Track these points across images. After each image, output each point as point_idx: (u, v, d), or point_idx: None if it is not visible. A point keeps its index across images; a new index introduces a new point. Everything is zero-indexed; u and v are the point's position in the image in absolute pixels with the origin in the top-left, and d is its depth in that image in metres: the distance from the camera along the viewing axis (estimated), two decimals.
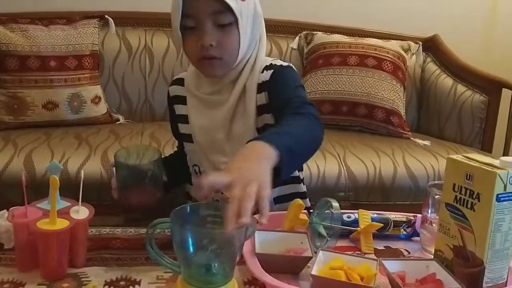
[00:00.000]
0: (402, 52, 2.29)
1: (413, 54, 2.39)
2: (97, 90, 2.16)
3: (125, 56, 2.28)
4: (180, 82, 1.20)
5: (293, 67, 1.14)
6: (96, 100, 2.14)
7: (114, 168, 1.05)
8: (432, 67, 2.43)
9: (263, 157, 0.82)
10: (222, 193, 0.81)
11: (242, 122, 1.10)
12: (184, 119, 1.18)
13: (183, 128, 1.20)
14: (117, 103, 2.27)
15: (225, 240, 0.73)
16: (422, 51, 2.44)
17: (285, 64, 1.12)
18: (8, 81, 2.00)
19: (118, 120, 2.22)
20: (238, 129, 1.11)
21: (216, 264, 0.73)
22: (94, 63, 2.16)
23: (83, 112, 2.11)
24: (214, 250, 0.72)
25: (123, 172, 1.02)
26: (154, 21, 2.32)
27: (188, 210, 0.76)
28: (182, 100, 1.18)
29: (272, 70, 1.09)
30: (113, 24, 2.28)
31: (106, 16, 2.26)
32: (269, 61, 1.12)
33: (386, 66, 2.20)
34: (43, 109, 2.03)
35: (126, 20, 2.33)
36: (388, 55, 2.23)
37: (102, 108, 2.17)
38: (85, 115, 2.11)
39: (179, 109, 1.20)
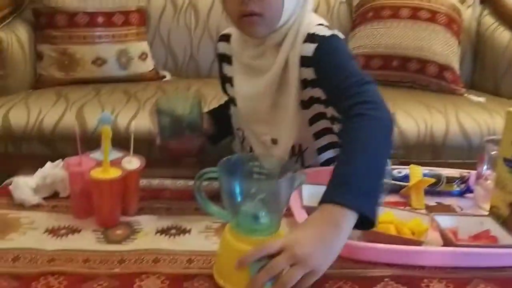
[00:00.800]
0: (458, 4, 2.16)
1: (469, 6, 2.26)
2: (143, 46, 2.17)
3: (170, 12, 2.27)
4: (227, 38, 1.14)
5: (338, 35, 1.01)
6: (143, 56, 2.15)
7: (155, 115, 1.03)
8: (489, 20, 2.29)
9: (335, 227, 0.70)
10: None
11: (285, 93, 1.04)
12: (230, 80, 1.15)
13: (228, 89, 1.18)
14: (163, 59, 2.28)
15: (272, 190, 0.72)
16: (479, 3, 2.30)
17: (328, 33, 0.99)
18: (58, 37, 2.03)
19: (165, 76, 2.23)
20: (281, 100, 1.05)
21: (263, 213, 0.72)
22: (140, 19, 2.17)
23: (130, 68, 2.13)
24: (262, 200, 0.71)
25: (163, 119, 1.02)
26: None
27: (235, 160, 0.76)
28: (228, 59, 1.15)
29: (315, 44, 0.98)
30: None
31: None
32: (312, 27, 1.01)
33: (440, 19, 2.09)
34: (93, 65, 2.06)
35: None
36: (443, 7, 2.11)
37: (149, 65, 2.18)
38: (132, 71, 2.13)
39: (226, 69, 1.17)
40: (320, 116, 1.07)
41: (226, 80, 1.18)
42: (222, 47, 1.16)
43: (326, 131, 1.09)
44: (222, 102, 1.30)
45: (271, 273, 0.66)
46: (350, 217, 0.71)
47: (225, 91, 1.22)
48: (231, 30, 1.13)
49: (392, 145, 0.86)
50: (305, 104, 1.05)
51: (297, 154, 1.11)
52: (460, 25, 2.15)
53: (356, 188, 0.74)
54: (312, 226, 0.71)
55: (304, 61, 1.00)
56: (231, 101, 1.17)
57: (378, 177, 0.78)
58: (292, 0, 0.99)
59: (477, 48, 2.29)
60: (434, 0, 2.12)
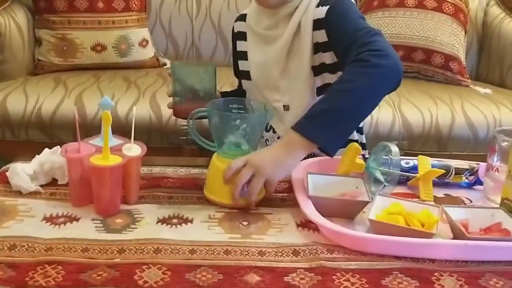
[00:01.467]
0: None
1: None
2: (144, 33, 2.14)
3: None
4: (244, 18, 1.18)
5: None
6: (143, 43, 2.12)
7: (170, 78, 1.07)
8: (496, 10, 2.26)
9: (292, 150, 0.89)
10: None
11: (296, 59, 1.07)
12: (244, 55, 1.17)
13: (242, 65, 1.20)
14: (164, 46, 2.25)
15: (250, 122, 0.90)
16: None
17: None
18: (57, 22, 2.00)
19: (165, 64, 2.19)
20: (292, 66, 1.08)
21: (244, 142, 0.92)
22: (141, 5, 2.13)
23: (130, 55, 2.09)
24: (243, 131, 0.89)
25: (177, 84, 1.05)
26: None
27: (220, 102, 0.95)
28: (243, 36, 1.17)
29: (327, 6, 1.02)
30: None
31: None
32: None
33: (447, 8, 2.06)
34: (92, 51, 2.03)
35: None
36: None
37: (149, 52, 2.15)
38: (132, 58, 2.10)
39: (241, 46, 1.19)
40: (327, 86, 1.05)
41: (240, 57, 1.19)
42: (239, 25, 1.20)
43: None
44: (225, 89, 1.30)
45: (240, 183, 0.85)
46: (303, 144, 0.87)
47: (237, 74, 1.24)
48: (248, 10, 1.18)
49: (387, 91, 0.93)
50: (316, 70, 1.06)
51: None
52: (466, 15, 2.12)
53: (318, 121, 0.88)
54: (272, 147, 0.92)
55: (316, 24, 1.03)
56: (244, 77, 1.19)
57: (348, 118, 0.89)
58: None
59: (484, 39, 2.26)
60: None
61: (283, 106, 1.12)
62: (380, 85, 0.90)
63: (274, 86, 1.11)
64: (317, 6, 1.04)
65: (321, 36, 1.03)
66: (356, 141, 1.16)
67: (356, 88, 0.88)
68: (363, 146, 1.18)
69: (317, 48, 1.05)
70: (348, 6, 1.03)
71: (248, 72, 1.16)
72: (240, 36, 1.19)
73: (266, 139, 1.19)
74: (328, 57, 1.05)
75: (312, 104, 0.93)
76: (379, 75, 0.89)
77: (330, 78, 1.07)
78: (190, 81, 1.06)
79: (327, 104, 0.89)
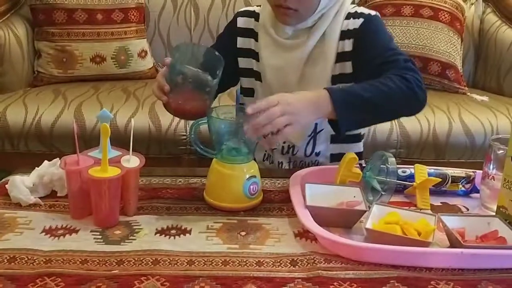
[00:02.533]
0: (461, 2, 2.15)
1: (472, 4, 2.25)
2: (143, 44, 2.15)
3: (170, 9, 2.25)
4: (251, 14, 1.16)
5: (379, 15, 1.09)
6: (142, 54, 2.13)
7: (167, 68, 0.95)
8: (492, 18, 2.27)
9: (317, 104, 0.91)
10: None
11: (318, 66, 1.08)
12: (252, 54, 1.15)
13: (249, 64, 1.16)
14: (163, 57, 2.23)
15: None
16: (482, 1, 2.29)
17: (373, 13, 1.08)
18: (56, 34, 2.01)
19: None
20: (312, 74, 1.09)
21: (242, 146, 0.95)
22: (140, 16, 2.15)
23: (130, 66, 2.11)
24: (242, 135, 0.90)
25: (181, 73, 0.92)
26: None
27: (217, 111, 0.95)
28: (251, 34, 1.15)
29: (362, 19, 1.06)
30: None
31: None
32: (352, 7, 1.09)
33: (443, 17, 2.07)
34: (91, 63, 2.04)
35: None
36: (445, 5, 2.09)
37: (148, 62, 2.16)
38: (131, 69, 2.11)
39: (246, 43, 1.16)
40: None
41: (245, 55, 1.16)
42: (245, 22, 1.16)
43: None
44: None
45: (270, 118, 0.84)
46: (328, 108, 0.90)
47: (233, 69, 1.16)
48: (257, 8, 1.17)
49: (402, 115, 1.05)
50: (334, 80, 1.08)
51: (310, 135, 1.13)
52: (462, 23, 2.13)
53: (349, 98, 0.92)
54: (302, 95, 0.92)
55: (346, 34, 1.06)
56: (250, 75, 1.17)
57: (373, 114, 0.96)
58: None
59: (480, 47, 2.27)
60: None
61: None
62: (406, 109, 1.00)
63: (290, 91, 1.08)
64: (346, 19, 1.07)
65: (348, 45, 1.06)
66: (360, 153, 1.17)
67: (393, 96, 0.94)
68: (360, 155, 1.18)
69: (341, 57, 1.07)
70: (381, 24, 1.08)
71: (258, 72, 1.15)
72: (245, 33, 1.16)
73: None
74: (349, 68, 1.07)
75: (320, 121, 1.02)
76: (411, 101, 0.98)
77: None
78: (194, 65, 0.94)
79: (366, 92, 0.93)
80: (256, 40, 1.15)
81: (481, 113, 1.82)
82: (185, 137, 1.70)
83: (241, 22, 1.17)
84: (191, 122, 1.00)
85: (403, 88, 0.94)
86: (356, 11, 1.08)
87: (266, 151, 1.20)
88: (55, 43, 2.01)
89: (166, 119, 1.71)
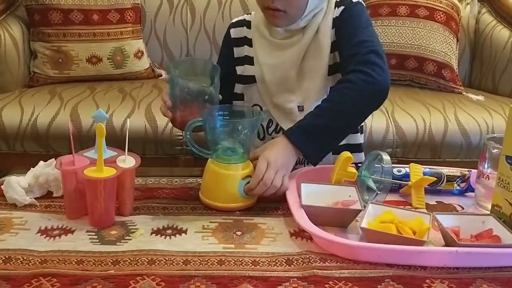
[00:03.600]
0: (456, 2, 2.15)
1: (467, 4, 2.26)
2: (139, 44, 2.15)
3: (166, 9, 2.25)
4: (242, 23, 1.19)
5: (362, 3, 1.10)
6: (138, 54, 2.13)
7: (169, 83, 0.98)
8: (487, 18, 2.28)
9: (290, 147, 0.96)
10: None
11: (315, 60, 1.09)
12: (248, 60, 1.17)
13: (245, 70, 1.18)
14: (159, 57, 2.26)
15: (245, 127, 0.94)
16: (478, 1, 2.29)
17: (354, 0, 1.09)
18: (52, 35, 2.00)
19: (161, 75, 2.20)
20: (309, 67, 1.11)
21: (238, 146, 0.95)
22: (136, 16, 2.14)
23: (126, 66, 2.10)
24: (238, 135, 0.94)
25: (179, 87, 0.96)
26: None
27: (214, 111, 0.96)
28: (246, 41, 1.17)
29: (342, 7, 1.08)
30: None
31: None
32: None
33: (439, 17, 2.08)
34: (87, 63, 2.04)
35: None
36: (441, 5, 2.10)
37: (144, 63, 2.16)
38: (128, 69, 2.11)
39: (242, 51, 1.18)
40: None
41: (240, 63, 1.18)
42: (238, 31, 1.19)
43: None
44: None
45: (268, 184, 0.92)
46: (293, 149, 0.96)
47: (229, 79, 1.18)
48: (248, 17, 1.19)
49: (372, 111, 1.03)
50: (331, 69, 1.10)
51: None
52: (458, 23, 2.14)
53: (308, 133, 0.97)
54: (277, 146, 0.97)
55: (333, 23, 1.08)
56: (247, 81, 1.18)
57: (335, 135, 1.01)
58: None
59: (476, 46, 2.28)
60: None
61: (298, 107, 1.13)
62: (367, 107, 1.01)
63: (290, 87, 1.12)
64: (335, 7, 1.09)
65: (333, 36, 1.09)
66: (359, 144, 1.18)
67: (345, 110, 0.98)
68: (359, 146, 1.19)
69: (334, 47, 1.09)
70: (358, 11, 1.08)
71: (253, 76, 1.16)
72: (241, 42, 1.18)
73: None
74: (337, 57, 1.09)
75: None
76: (367, 97, 0.98)
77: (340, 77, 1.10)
78: (192, 79, 0.98)
79: (319, 119, 0.98)
80: (250, 46, 1.16)
81: (476, 113, 1.83)
82: (181, 137, 1.70)
83: (234, 32, 1.19)
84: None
85: (360, 89, 0.97)
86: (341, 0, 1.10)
87: None
88: (51, 43, 2.01)
89: (162, 120, 1.71)
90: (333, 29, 1.09)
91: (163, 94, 1.00)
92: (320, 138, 0.97)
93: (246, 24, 1.18)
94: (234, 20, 1.22)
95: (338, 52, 1.08)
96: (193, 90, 0.97)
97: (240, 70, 1.19)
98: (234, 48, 1.19)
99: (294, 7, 1.03)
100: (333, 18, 1.09)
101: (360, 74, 0.97)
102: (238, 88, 1.20)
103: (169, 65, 1.00)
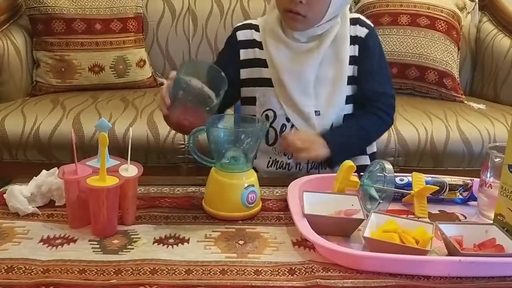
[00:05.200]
0: (457, 11, 2.16)
1: (468, 12, 2.26)
2: (141, 53, 2.16)
3: (168, 19, 2.26)
4: (250, 26, 1.20)
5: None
6: (141, 63, 2.14)
7: (171, 81, 0.97)
8: (488, 26, 2.29)
9: (326, 150, 1.12)
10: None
11: (333, 68, 1.15)
12: (260, 63, 1.17)
13: (257, 73, 1.17)
14: (161, 66, 2.26)
15: (249, 136, 0.95)
16: (478, 9, 2.30)
17: (372, 24, 1.19)
18: (55, 44, 2.01)
19: (163, 84, 2.19)
20: (327, 74, 1.15)
21: (241, 156, 0.95)
22: (138, 26, 2.15)
23: (128, 75, 2.11)
24: (242, 144, 0.94)
25: (184, 88, 0.95)
26: None
27: (216, 120, 0.96)
28: (255, 44, 1.18)
29: (367, 30, 1.17)
30: None
31: None
32: (351, 14, 1.17)
33: (440, 26, 2.08)
34: (90, 72, 2.04)
35: None
36: (442, 14, 2.11)
37: (147, 72, 2.16)
38: (130, 78, 2.11)
39: (249, 54, 1.18)
40: (351, 98, 1.18)
41: (254, 65, 1.18)
42: (246, 34, 1.19)
43: (348, 116, 1.20)
44: None
45: (296, 144, 1.09)
46: (327, 152, 1.12)
47: (237, 85, 1.19)
48: (256, 21, 1.21)
49: (379, 136, 1.27)
50: (349, 80, 1.17)
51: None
52: (459, 31, 2.15)
53: (341, 145, 1.13)
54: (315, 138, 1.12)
55: (354, 40, 1.16)
56: (264, 83, 1.17)
57: (354, 153, 1.19)
58: (336, 5, 1.09)
59: (477, 55, 2.28)
60: (433, 7, 2.12)
61: (315, 111, 1.16)
62: (378, 137, 1.27)
63: (307, 91, 1.15)
64: (352, 24, 1.16)
65: (356, 50, 1.16)
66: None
67: (368, 138, 1.23)
68: (372, 156, 1.26)
69: (353, 60, 1.16)
70: (379, 40, 1.21)
71: (268, 79, 1.16)
72: (250, 44, 1.18)
73: None
74: (355, 72, 1.17)
75: (342, 116, 1.18)
76: (383, 132, 1.27)
77: (354, 90, 1.18)
78: (199, 90, 0.96)
79: (351, 139, 1.16)
80: (261, 48, 1.17)
81: (478, 121, 1.83)
82: (183, 145, 1.70)
83: (241, 35, 1.20)
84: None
85: (383, 128, 1.23)
86: (359, 18, 1.18)
87: (270, 157, 1.21)
88: (54, 52, 2.02)
89: (165, 128, 1.71)
90: (354, 45, 1.16)
91: (163, 89, 0.97)
92: (346, 153, 1.10)
93: (254, 27, 1.20)
94: (239, 24, 1.22)
95: (358, 72, 1.17)
96: (196, 99, 0.96)
97: (246, 73, 1.18)
98: (241, 50, 1.18)
99: (315, 12, 1.07)
100: (355, 35, 1.16)
101: (387, 117, 1.19)
102: (250, 91, 1.19)
103: (182, 64, 0.98)
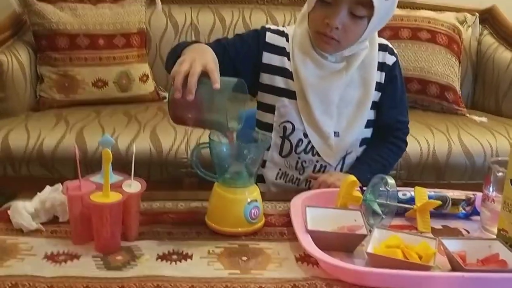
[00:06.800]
0: (458, 24, 2.18)
1: (469, 26, 2.28)
2: (144, 68, 2.17)
3: (171, 33, 2.28)
4: (281, 33, 1.17)
5: None
6: (144, 78, 2.16)
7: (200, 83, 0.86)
8: (489, 40, 2.30)
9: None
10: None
11: (358, 91, 1.16)
12: (286, 73, 1.15)
13: (283, 83, 1.15)
14: (164, 81, 2.28)
15: (253, 151, 0.95)
16: (479, 23, 2.32)
17: (395, 50, 1.21)
18: (58, 60, 2.04)
19: (165, 98, 2.22)
20: (352, 97, 1.16)
21: (244, 171, 0.95)
22: (141, 41, 2.17)
23: (131, 90, 2.13)
24: (245, 159, 0.94)
25: (202, 92, 0.86)
26: None
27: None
28: (280, 51, 1.15)
29: (395, 58, 1.19)
30: (159, 1, 2.28)
31: None
32: (377, 38, 1.17)
33: (441, 39, 2.10)
34: (93, 87, 2.06)
35: None
36: (443, 28, 2.13)
37: (149, 86, 2.18)
38: (133, 93, 2.13)
39: (276, 61, 1.15)
40: (371, 123, 1.20)
41: (279, 73, 1.15)
42: (274, 38, 1.16)
43: (364, 142, 1.22)
44: None
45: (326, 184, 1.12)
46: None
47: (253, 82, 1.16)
48: (286, 29, 1.18)
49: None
50: (373, 104, 1.18)
51: (343, 156, 1.20)
52: (460, 45, 2.16)
53: (369, 179, 1.06)
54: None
55: (381, 66, 1.17)
56: (286, 94, 1.15)
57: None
58: (370, 33, 1.09)
59: (478, 68, 2.30)
60: (434, 21, 2.13)
61: (334, 132, 1.16)
62: (396, 160, 1.29)
63: (330, 111, 1.15)
64: (380, 50, 1.17)
65: (380, 77, 1.17)
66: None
67: (387, 165, 1.23)
68: None
69: (378, 86, 1.17)
70: (402, 76, 1.24)
71: (292, 92, 1.14)
72: (275, 50, 1.15)
73: (303, 161, 1.19)
74: (379, 98, 1.19)
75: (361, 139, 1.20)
76: (398, 156, 1.28)
77: (375, 115, 1.20)
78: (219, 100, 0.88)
79: (372, 168, 1.18)
80: (289, 59, 1.15)
81: (480, 134, 1.83)
82: (186, 159, 1.71)
83: (271, 37, 1.16)
84: (192, 146, 1.01)
85: (398, 157, 1.28)
86: (388, 45, 1.19)
87: (280, 169, 1.21)
88: (58, 68, 2.04)
89: (167, 142, 1.72)
90: (382, 72, 1.17)
91: (194, 78, 0.84)
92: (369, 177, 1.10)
93: (286, 36, 1.16)
94: (269, 26, 1.18)
95: (382, 99, 1.18)
96: (217, 119, 0.88)
97: (270, 79, 1.15)
98: (265, 53, 1.15)
99: (349, 38, 1.07)
100: (383, 62, 1.17)
101: (403, 144, 1.26)
102: (270, 98, 1.17)
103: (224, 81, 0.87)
